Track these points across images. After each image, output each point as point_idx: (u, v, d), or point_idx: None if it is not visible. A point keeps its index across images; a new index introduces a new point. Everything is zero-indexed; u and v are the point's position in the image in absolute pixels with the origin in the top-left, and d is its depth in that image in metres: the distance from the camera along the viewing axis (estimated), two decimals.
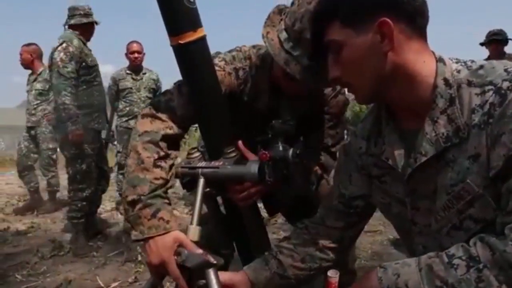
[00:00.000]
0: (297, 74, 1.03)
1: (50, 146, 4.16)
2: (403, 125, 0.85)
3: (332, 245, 1.03)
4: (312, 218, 1.07)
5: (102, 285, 2.21)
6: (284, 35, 1.07)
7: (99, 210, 4.11)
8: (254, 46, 1.26)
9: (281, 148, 0.95)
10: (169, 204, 1.02)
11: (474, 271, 0.65)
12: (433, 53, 0.80)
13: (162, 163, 1.03)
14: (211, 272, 0.92)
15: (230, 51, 1.26)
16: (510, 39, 4.05)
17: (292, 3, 1.09)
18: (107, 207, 4.31)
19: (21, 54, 4.13)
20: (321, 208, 1.07)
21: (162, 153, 1.04)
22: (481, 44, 4.07)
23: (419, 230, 0.86)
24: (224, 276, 0.98)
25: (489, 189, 0.71)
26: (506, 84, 0.69)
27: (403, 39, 0.75)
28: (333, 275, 0.91)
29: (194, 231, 0.98)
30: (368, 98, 0.86)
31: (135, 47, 3.88)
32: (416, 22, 0.76)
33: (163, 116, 1.08)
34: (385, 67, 0.76)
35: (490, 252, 0.64)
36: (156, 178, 1.01)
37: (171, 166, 1.06)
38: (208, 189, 1.04)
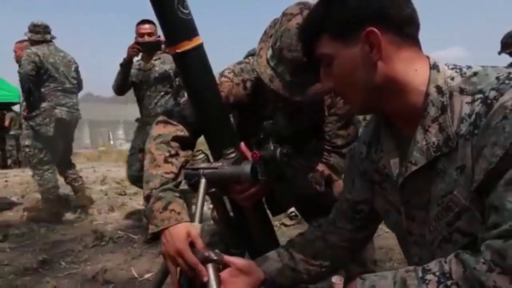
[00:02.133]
0: (280, 90, 1.08)
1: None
2: (401, 132, 0.84)
3: (343, 244, 1.04)
4: (326, 217, 1.09)
5: (136, 275, 2.33)
6: (270, 52, 1.12)
7: (142, 201, 4.34)
8: None
9: (272, 148, 0.96)
10: (180, 197, 1.07)
11: (435, 285, 0.64)
12: (429, 59, 0.78)
13: (173, 160, 1.09)
14: (210, 268, 0.95)
15: (239, 63, 1.31)
16: None
17: (278, 20, 1.12)
18: None
19: (15, 51, 4.04)
20: (334, 208, 1.08)
21: (173, 152, 1.11)
22: (499, 53, 3.66)
23: (415, 240, 0.84)
24: (240, 262, 0.99)
25: (476, 202, 0.68)
26: (492, 94, 0.65)
27: (392, 49, 0.74)
28: (338, 281, 0.90)
29: (196, 228, 1.02)
30: (361, 109, 0.85)
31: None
32: (405, 31, 0.75)
33: (175, 121, 1.16)
34: (376, 77, 0.76)
35: (462, 269, 0.63)
36: (166, 173, 1.07)
37: (183, 163, 1.11)
38: (213, 189, 1.07)
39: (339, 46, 0.77)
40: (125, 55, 3.06)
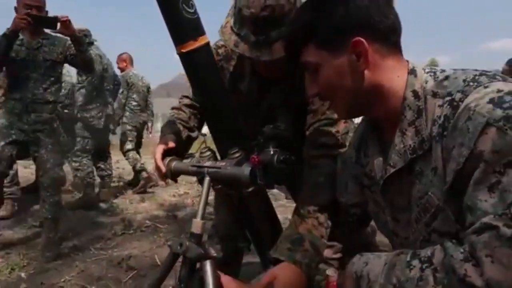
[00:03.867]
0: (247, 52, 1.08)
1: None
2: (384, 137, 0.86)
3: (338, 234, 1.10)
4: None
5: (159, 262, 2.42)
6: (232, 19, 1.12)
7: (172, 193, 4.49)
8: None
9: (271, 153, 0.95)
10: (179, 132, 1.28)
11: (419, 271, 0.66)
12: (408, 64, 0.80)
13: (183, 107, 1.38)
14: (207, 264, 0.97)
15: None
16: None
17: None
18: (181, 191, 4.65)
19: (117, 63, 4.88)
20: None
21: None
22: None
23: (400, 242, 0.85)
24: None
25: (449, 202, 0.70)
26: (458, 96, 0.68)
27: (378, 57, 0.76)
28: (333, 274, 0.90)
29: (198, 224, 1.03)
30: (347, 114, 0.89)
31: None
32: (390, 39, 0.77)
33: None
34: (362, 85, 0.77)
35: (443, 256, 0.64)
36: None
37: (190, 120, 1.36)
38: (219, 186, 1.09)
39: (326, 54, 0.78)
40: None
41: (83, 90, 3.94)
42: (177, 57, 1.06)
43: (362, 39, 0.73)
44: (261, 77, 1.23)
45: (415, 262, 0.67)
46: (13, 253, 2.58)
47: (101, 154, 4.27)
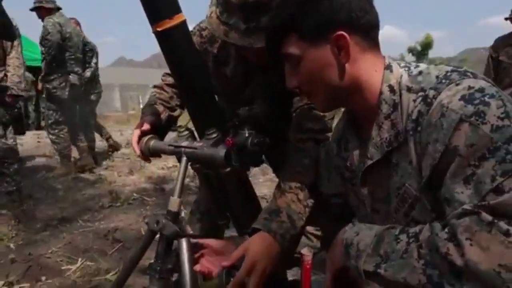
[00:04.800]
0: (238, 41, 1.04)
1: None
2: (362, 131, 0.88)
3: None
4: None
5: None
6: (218, 9, 1.08)
7: (161, 165, 4.51)
8: None
9: (246, 135, 0.96)
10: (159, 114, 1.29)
11: (405, 244, 0.68)
12: (385, 59, 0.82)
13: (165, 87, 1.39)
14: (183, 242, 1.00)
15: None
16: None
17: None
18: (169, 164, 4.67)
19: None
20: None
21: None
22: (506, 19, 3.65)
23: None
24: (215, 243, 1.06)
25: (426, 193, 0.73)
26: (432, 93, 0.71)
27: (358, 51, 0.78)
28: (307, 253, 0.93)
29: (174, 202, 1.06)
30: (326, 107, 0.91)
31: None
32: (370, 35, 0.80)
33: None
34: (342, 78, 0.79)
35: (429, 233, 0.67)
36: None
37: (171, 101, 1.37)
38: (197, 165, 1.11)
39: (307, 47, 0.79)
40: None
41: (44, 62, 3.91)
42: None
43: (344, 33, 0.75)
44: (247, 62, 1.22)
45: (403, 237, 0.70)
46: (2, 224, 2.60)
47: (86, 125, 4.30)
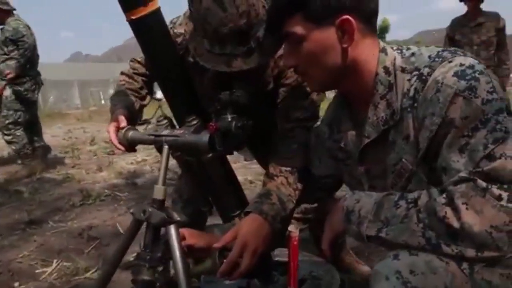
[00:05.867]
0: (244, 66, 1.02)
1: None
2: (357, 113, 0.92)
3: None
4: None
5: (122, 231, 2.40)
6: (207, 43, 1.04)
7: (130, 160, 4.40)
8: None
9: (229, 119, 0.96)
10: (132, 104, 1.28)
11: (405, 209, 0.73)
12: (380, 43, 0.87)
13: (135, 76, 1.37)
14: (172, 228, 0.99)
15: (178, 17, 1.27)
16: None
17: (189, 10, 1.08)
18: (139, 158, 4.56)
19: None
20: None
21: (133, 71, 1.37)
22: (460, 0, 3.90)
23: None
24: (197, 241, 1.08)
25: (422, 166, 0.79)
26: (426, 70, 0.76)
27: (359, 36, 0.82)
28: (294, 229, 0.95)
29: (159, 190, 1.04)
30: (321, 87, 0.95)
31: None
32: (371, 21, 0.84)
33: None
34: (342, 61, 0.83)
35: (427, 199, 0.72)
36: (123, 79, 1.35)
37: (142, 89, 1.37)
38: (178, 153, 1.10)
39: (312, 27, 0.82)
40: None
41: (10, 62, 3.75)
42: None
43: (351, 18, 0.79)
44: (225, 72, 1.19)
45: (402, 202, 0.74)
46: None
47: (32, 126, 4.15)
